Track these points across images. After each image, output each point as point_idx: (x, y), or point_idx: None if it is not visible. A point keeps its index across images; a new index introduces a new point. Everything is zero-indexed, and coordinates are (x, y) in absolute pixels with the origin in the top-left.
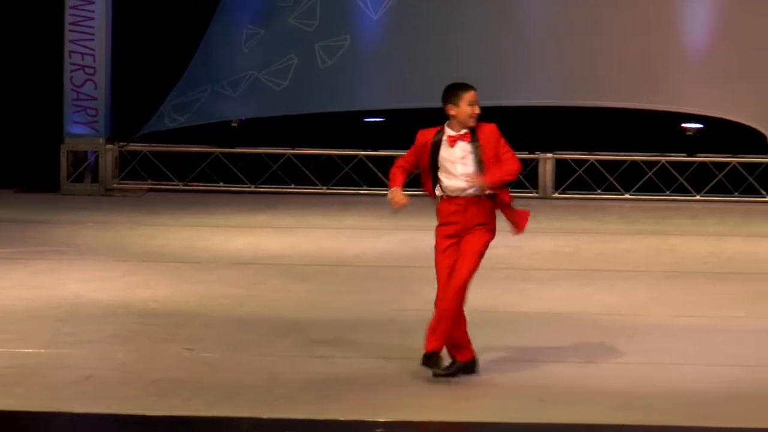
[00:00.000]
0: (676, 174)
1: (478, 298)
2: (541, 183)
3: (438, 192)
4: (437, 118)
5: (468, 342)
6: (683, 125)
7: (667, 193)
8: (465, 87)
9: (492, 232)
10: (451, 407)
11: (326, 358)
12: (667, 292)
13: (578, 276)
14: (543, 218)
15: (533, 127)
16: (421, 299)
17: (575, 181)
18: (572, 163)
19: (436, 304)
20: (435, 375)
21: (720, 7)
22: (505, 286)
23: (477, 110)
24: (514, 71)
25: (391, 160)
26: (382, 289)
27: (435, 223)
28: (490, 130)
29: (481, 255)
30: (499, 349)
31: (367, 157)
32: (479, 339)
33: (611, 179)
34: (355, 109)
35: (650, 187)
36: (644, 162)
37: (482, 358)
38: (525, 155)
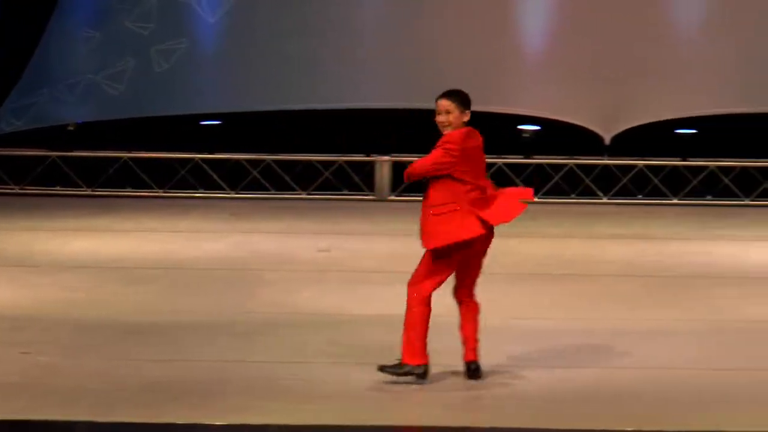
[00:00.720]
0: (512, 176)
1: (314, 301)
2: (378, 185)
3: None
4: (281, 119)
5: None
6: (519, 127)
7: None
8: None
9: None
10: (291, 410)
11: (166, 361)
12: (505, 294)
13: None
14: (380, 220)
15: (369, 129)
16: (261, 302)
17: (412, 183)
18: None
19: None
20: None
21: (556, 9)
22: (341, 289)
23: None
24: (352, 73)
25: (227, 162)
26: (221, 292)
27: (271, 226)
28: None
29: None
30: (330, 353)
31: (204, 160)
32: (314, 342)
33: None
34: (191, 112)
35: None
36: None
37: (318, 362)
38: (361, 158)
